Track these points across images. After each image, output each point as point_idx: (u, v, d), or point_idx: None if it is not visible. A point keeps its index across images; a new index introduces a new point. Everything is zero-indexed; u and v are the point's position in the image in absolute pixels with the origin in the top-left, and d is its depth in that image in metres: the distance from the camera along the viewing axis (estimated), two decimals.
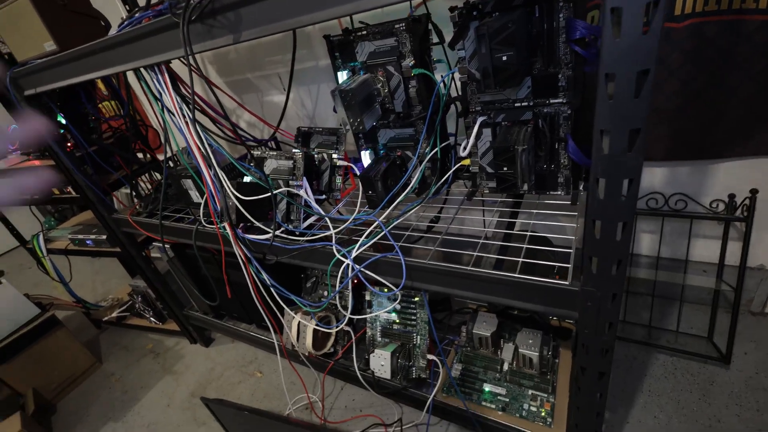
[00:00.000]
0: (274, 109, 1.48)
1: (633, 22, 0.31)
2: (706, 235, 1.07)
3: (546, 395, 0.83)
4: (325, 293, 1.08)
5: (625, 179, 0.39)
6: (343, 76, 0.75)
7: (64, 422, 1.38)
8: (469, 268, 0.59)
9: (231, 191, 0.76)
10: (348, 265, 0.69)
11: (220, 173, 0.78)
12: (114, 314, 1.68)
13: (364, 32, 0.70)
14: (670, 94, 0.88)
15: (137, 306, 1.61)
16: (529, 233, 0.64)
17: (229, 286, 1.04)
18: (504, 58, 0.50)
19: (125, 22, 0.72)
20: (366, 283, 0.71)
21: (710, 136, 0.90)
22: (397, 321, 0.95)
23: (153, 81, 0.77)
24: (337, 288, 0.72)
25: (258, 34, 0.52)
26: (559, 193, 0.69)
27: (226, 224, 0.81)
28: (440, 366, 0.93)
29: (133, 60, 0.72)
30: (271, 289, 0.89)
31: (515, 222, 0.74)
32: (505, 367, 0.89)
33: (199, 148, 0.80)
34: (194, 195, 1.01)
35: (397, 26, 0.66)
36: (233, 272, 1.01)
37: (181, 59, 0.68)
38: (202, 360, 1.48)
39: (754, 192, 0.92)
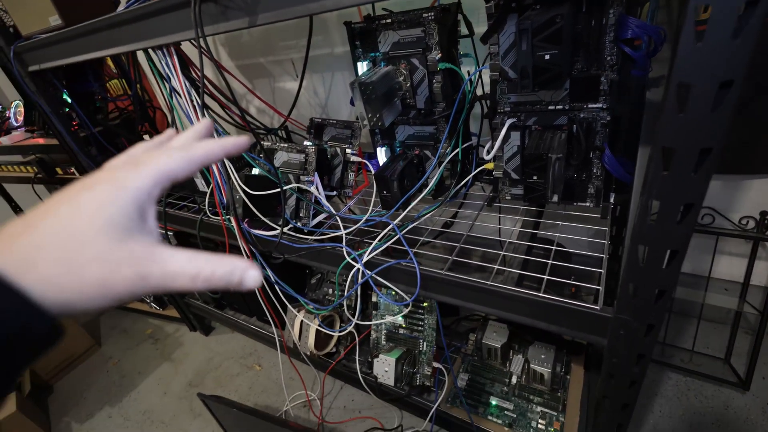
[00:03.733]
0: (286, 96, 1.43)
1: (723, 23, 0.27)
2: (732, 253, 1.02)
3: (556, 413, 0.79)
4: (331, 291, 1.04)
5: (682, 204, 0.35)
6: (362, 66, 0.70)
7: (60, 403, 1.37)
8: (489, 282, 0.55)
9: (238, 184, 0.72)
10: (359, 270, 0.65)
11: (228, 164, 0.74)
12: None
13: (389, 20, 0.64)
14: None
15: None
16: (554, 248, 0.59)
17: None
18: (547, 56, 0.45)
19: None
20: (376, 290, 0.67)
21: (750, 150, 0.84)
22: (404, 325, 0.92)
23: (161, 62, 0.73)
24: (345, 294, 0.68)
25: (275, 18, 0.47)
26: (588, 204, 0.65)
27: (231, 218, 0.78)
28: (446, 374, 0.90)
29: (141, 40, 0.67)
30: (276, 286, 0.86)
31: (537, 234, 0.70)
32: (514, 380, 0.86)
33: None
34: (200, 183, 0.97)
35: (425, 15, 0.61)
36: None
37: (192, 41, 0.63)
38: (201, 349, 1.46)
39: None
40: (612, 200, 0.64)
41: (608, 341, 0.48)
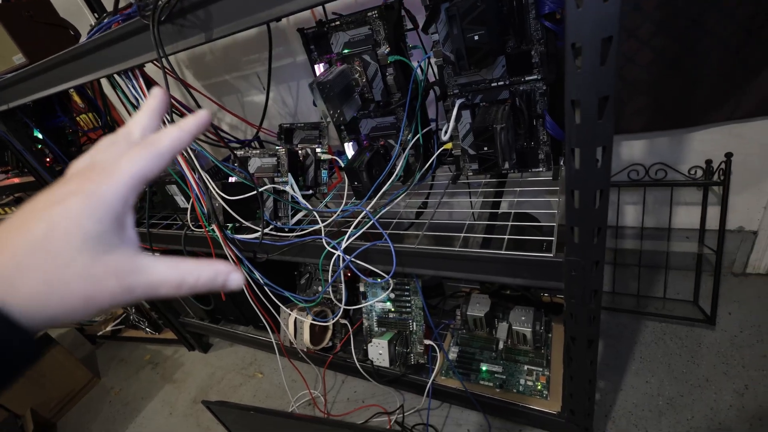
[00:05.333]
0: (256, 108, 1.47)
1: None
2: (687, 202, 1.10)
3: (541, 369, 0.85)
4: (320, 288, 1.08)
5: (598, 147, 0.40)
6: (320, 68, 0.75)
7: None
8: (456, 248, 0.60)
9: (216, 192, 0.76)
10: (339, 256, 0.70)
11: (205, 175, 0.77)
12: (108, 328, 1.66)
13: (338, 23, 0.70)
14: (644, 65, 0.90)
15: (132, 318, 1.60)
16: (513, 211, 0.65)
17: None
18: (476, 37, 0.51)
19: (94, 29, 0.71)
20: (358, 273, 0.71)
21: (686, 105, 0.92)
22: (393, 309, 0.96)
23: (128, 87, 0.76)
24: (329, 281, 0.73)
25: (230, 30, 0.52)
26: (541, 169, 0.71)
27: (214, 226, 0.81)
28: (437, 350, 0.94)
29: (106, 67, 0.71)
30: (265, 287, 0.89)
31: (500, 202, 0.75)
32: (501, 345, 0.91)
33: (181, 152, 0.80)
34: (180, 200, 1.00)
35: (369, 14, 0.66)
36: None
37: (155, 62, 0.67)
38: (202, 366, 1.47)
39: (728, 156, 0.95)
40: (562, 162, 0.71)
41: (565, 284, 0.54)
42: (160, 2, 0.52)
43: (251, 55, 1.36)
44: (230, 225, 0.83)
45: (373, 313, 0.99)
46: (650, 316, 1.10)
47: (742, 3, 0.78)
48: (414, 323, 0.94)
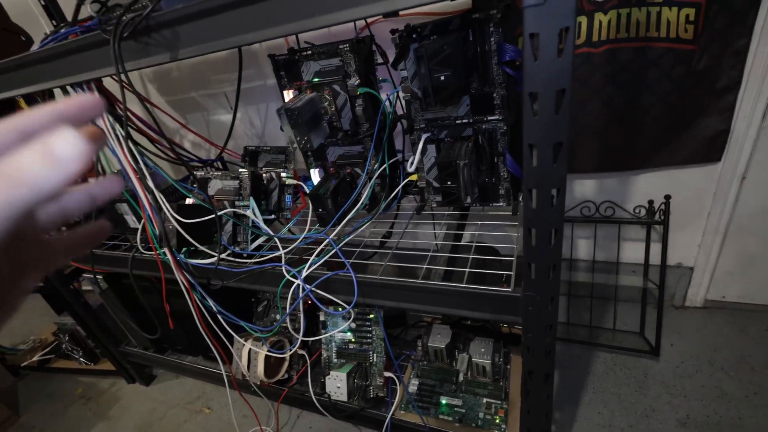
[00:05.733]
0: (222, 128, 1.44)
1: (549, 47, 0.35)
2: (633, 238, 1.18)
3: (499, 402, 0.85)
4: (278, 316, 1.04)
5: (553, 189, 0.42)
6: (289, 94, 0.75)
7: None
8: (418, 281, 0.60)
9: (171, 214, 0.72)
10: (298, 285, 0.68)
11: (158, 195, 0.73)
12: (35, 358, 1.50)
13: (309, 52, 0.71)
14: (595, 113, 0.97)
15: (64, 346, 1.44)
16: (475, 244, 0.66)
17: (171, 316, 0.97)
18: (442, 77, 0.53)
19: (48, 38, 0.67)
20: (318, 303, 0.69)
21: (631, 150, 1.00)
22: (353, 340, 0.94)
23: None
24: (287, 310, 0.70)
25: (197, 52, 0.51)
26: (501, 204, 0.73)
27: (165, 249, 0.77)
28: (397, 382, 0.92)
29: (59, 77, 0.67)
30: (218, 315, 0.84)
31: (462, 234, 0.77)
32: (461, 377, 0.91)
33: (134, 169, 0.76)
34: (131, 220, 0.94)
35: (341, 47, 0.68)
36: (175, 300, 0.95)
37: (113, 77, 0.64)
38: (142, 401, 1.35)
39: (667, 198, 1.03)
40: (521, 198, 0.74)
41: (522, 318, 0.55)
42: (124, 18, 0.50)
43: (221, 75, 1.34)
44: (184, 249, 0.78)
45: (333, 344, 0.95)
46: (601, 347, 1.14)
47: (677, 64, 0.87)
48: (374, 354, 0.92)
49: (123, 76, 0.54)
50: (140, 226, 0.88)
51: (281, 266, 0.70)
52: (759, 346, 1.06)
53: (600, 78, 0.93)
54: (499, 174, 0.71)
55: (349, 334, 0.93)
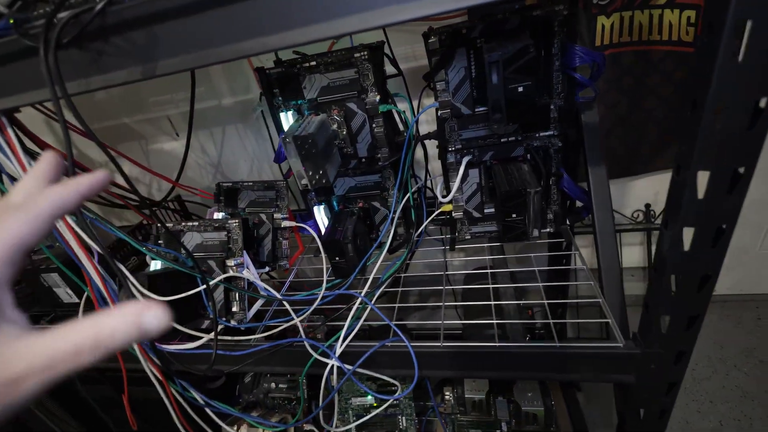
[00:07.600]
0: (166, 159, 1.20)
1: (761, 41, 0.25)
2: (631, 243, 1.17)
3: None
4: (274, 385, 0.85)
5: (722, 224, 0.33)
6: (288, 117, 0.59)
7: None
8: (497, 343, 0.47)
9: (139, 291, 0.52)
10: (333, 365, 0.51)
11: (120, 266, 0.53)
12: None
13: (313, 63, 0.55)
14: (599, 118, 0.93)
15: None
16: (542, 284, 0.56)
17: (132, 413, 0.73)
18: (520, 89, 0.42)
19: None
20: (364, 389, 0.54)
21: (634, 154, 0.97)
22: (375, 404, 0.78)
23: None
24: (321, 402, 0.53)
25: (187, 64, 0.34)
26: (549, 230, 0.64)
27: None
28: None
29: None
30: (206, 409, 0.64)
31: (513, 272, 0.66)
32: (504, 428, 0.79)
33: (69, 227, 0.54)
34: (64, 293, 0.70)
35: (357, 55, 0.54)
36: (136, 389, 0.72)
37: (34, 106, 0.44)
38: None
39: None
40: (567, 222, 0.65)
41: (636, 378, 0.44)
42: (61, 16, 0.32)
43: (161, 95, 1.12)
44: None
45: (350, 412, 0.79)
46: None
47: (678, 66, 0.86)
48: (404, 418, 0.77)
49: (63, 102, 0.35)
50: (82, 301, 0.65)
51: (303, 341, 0.53)
52: (758, 337, 1.09)
53: (603, 83, 0.89)
54: (549, 196, 0.61)
55: (369, 398, 0.78)
